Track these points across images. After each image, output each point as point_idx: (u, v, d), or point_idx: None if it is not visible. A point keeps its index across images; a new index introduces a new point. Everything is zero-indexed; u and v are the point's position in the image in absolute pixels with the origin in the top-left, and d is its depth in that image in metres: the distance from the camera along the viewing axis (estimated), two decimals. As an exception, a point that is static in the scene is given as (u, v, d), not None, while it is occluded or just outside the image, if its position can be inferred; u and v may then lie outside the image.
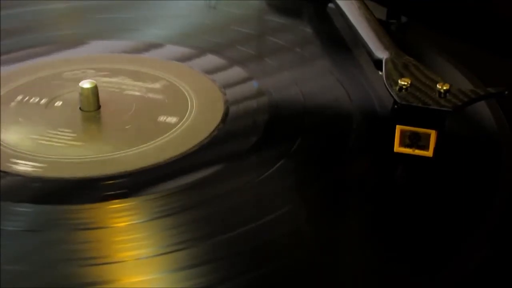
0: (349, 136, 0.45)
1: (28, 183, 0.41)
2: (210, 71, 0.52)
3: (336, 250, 0.37)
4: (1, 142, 0.44)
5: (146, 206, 0.39)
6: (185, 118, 0.47)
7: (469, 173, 0.42)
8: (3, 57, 0.54)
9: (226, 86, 0.50)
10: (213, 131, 0.46)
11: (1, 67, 0.53)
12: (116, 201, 0.39)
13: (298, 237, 0.37)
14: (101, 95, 0.48)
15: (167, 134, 0.45)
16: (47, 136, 0.45)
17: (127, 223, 0.38)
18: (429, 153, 0.42)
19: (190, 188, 0.40)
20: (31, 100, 0.49)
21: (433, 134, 0.42)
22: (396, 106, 0.43)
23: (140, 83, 0.51)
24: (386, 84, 0.44)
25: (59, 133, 0.46)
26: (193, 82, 0.51)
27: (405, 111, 0.42)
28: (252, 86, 0.51)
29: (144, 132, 0.46)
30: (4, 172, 0.42)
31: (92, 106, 0.48)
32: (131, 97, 0.49)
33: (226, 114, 0.47)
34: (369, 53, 0.50)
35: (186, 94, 0.50)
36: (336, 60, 0.55)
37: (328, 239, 0.38)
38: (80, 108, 0.48)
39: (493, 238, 0.37)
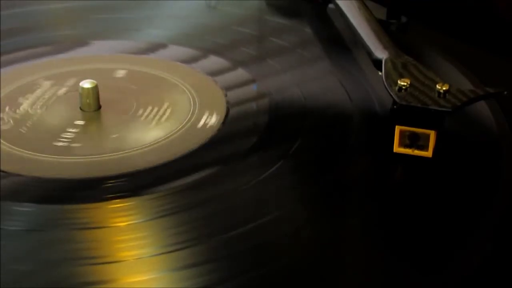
0: (349, 136, 0.45)
1: (28, 183, 0.41)
2: (211, 72, 0.52)
3: (336, 250, 0.37)
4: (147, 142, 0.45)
5: (146, 206, 0.39)
6: (186, 118, 0.47)
7: (469, 173, 0.42)
8: (3, 57, 0.54)
9: (227, 86, 0.50)
10: (214, 131, 0.46)
11: (1, 67, 0.53)
12: (116, 201, 0.39)
13: (298, 237, 0.37)
14: (101, 95, 0.48)
15: (168, 134, 0.45)
16: (143, 121, 0.47)
17: (127, 223, 0.38)
18: (428, 153, 0.42)
19: (190, 188, 0.41)
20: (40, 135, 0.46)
21: (432, 134, 0.42)
22: (395, 106, 0.43)
23: (140, 83, 0.51)
24: (386, 84, 0.44)
25: (145, 116, 0.47)
26: (194, 82, 0.51)
27: (404, 112, 0.42)
28: (252, 87, 0.51)
29: (145, 132, 0.46)
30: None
31: (93, 106, 0.48)
32: (131, 97, 0.49)
33: (227, 114, 0.47)
34: (369, 53, 0.50)
35: (188, 94, 0.50)
36: (336, 60, 0.55)
37: (328, 239, 0.38)
38: (80, 108, 0.48)
39: (493, 238, 0.37)
